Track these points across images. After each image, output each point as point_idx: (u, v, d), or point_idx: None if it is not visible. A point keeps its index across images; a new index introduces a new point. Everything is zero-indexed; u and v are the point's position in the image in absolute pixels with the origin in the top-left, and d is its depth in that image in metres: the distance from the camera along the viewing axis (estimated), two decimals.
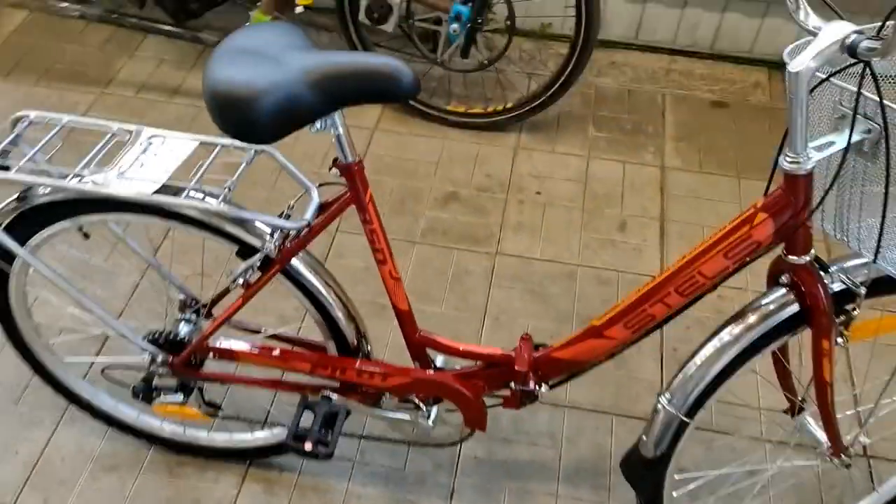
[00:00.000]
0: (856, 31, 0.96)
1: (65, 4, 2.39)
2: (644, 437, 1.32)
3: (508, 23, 2.30)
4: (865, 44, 0.94)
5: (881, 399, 1.36)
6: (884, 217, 1.07)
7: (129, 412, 1.71)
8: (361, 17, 2.32)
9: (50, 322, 1.78)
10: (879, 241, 1.08)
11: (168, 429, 1.72)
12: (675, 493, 1.42)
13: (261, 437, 1.70)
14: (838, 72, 1.07)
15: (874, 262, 1.10)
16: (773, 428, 1.83)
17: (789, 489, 1.74)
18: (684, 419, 1.27)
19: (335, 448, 1.39)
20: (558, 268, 2.20)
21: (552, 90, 2.41)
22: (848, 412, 1.40)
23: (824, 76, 1.08)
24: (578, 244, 2.27)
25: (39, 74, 2.72)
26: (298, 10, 2.34)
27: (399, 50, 2.57)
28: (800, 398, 1.42)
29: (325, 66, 1.05)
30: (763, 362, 1.35)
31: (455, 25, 2.28)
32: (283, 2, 2.37)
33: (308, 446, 1.36)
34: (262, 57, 1.06)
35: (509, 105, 2.51)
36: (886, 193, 1.05)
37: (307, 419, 1.40)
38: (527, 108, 2.48)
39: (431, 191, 2.40)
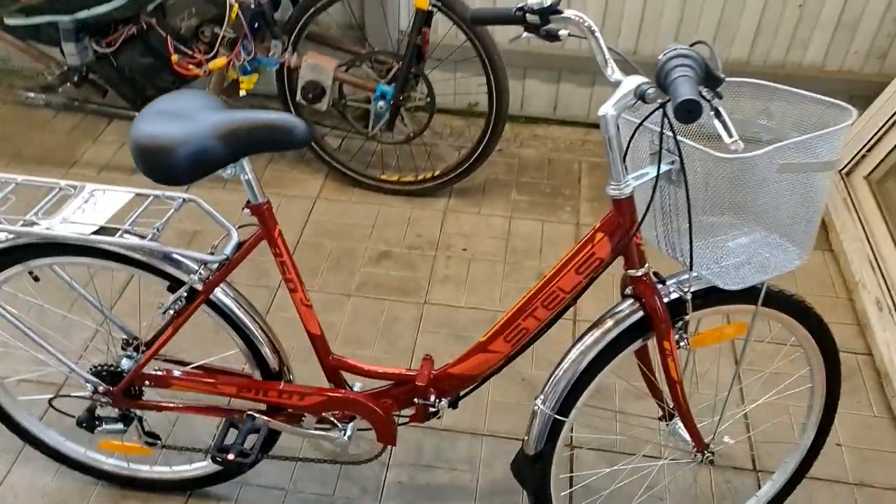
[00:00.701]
0: (645, 83, 1.22)
1: (31, 94, 2.64)
2: (526, 437, 1.50)
3: (429, 99, 2.59)
4: (650, 91, 1.20)
5: (727, 398, 1.57)
6: (691, 232, 1.30)
7: (77, 448, 1.87)
8: (298, 98, 2.60)
9: (5, 364, 1.94)
10: (691, 252, 1.32)
11: (112, 463, 1.87)
12: (562, 494, 1.60)
13: (199, 467, 1.85)
14: (648, 116, 1.32)
15: (691, 270, 1.34)
16: (653, 434, 2.03)
17: (675, 486, 1.92)
18: (558, 417, 1.46)
19: (257, 460, 1.56)
20: (481, 314, 2.42)
21: (472, 158, 2.69)
22: (701, 407, 1.60)
23: (638, 121, 1.33)
24: (500, 293, 2.49)
25: (9, 159, 2.96)
26: (242, 94, 2.61)
27: (336, 127, 2.85)
28: (669, 406, 1.63)
29: (230, 121, 1.29)
30: (636, 375, 1.57)
31: (381, 103, 2.57)
32: (229, 87, 2.65)
33: (230, 457, 1.53)
34: (179, 116, 1.30)
35: (437, 173, 2.78)
36: (689, 212, 1.29)
37: (232, 436, 1.57)
38: (452, 174, 2.75)
39: (367, 250, 2.63)
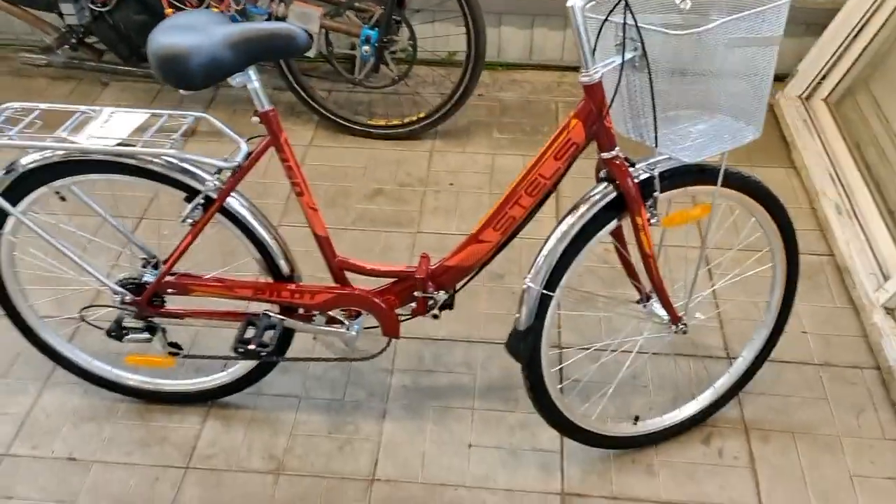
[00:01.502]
0: None
1: (31, 56, 2.76)
2: (517, 315, 1.67)
3: (411, 42, 2.74)
4: None
5: (697, 271, 1.74)
6: (654, 113, 1.46)
7: (104, 366, 2.01)
8: None
9: (35, 285, 2.06)
10: (655, 130, 1.48)
11: (137, 379, 2.02)
12: (552, 370, 1.76)
13: (217, 378, 2.01)
14: (613, 9, 1.48)
15: (656, 146, 1.50)
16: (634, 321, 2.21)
17: (656, 375, 2.10)
18: (545, 292, 1.62)
19: (273, 351, 1.72)
20: None
21: (455, 98, 2.84)
22: (675, 287, 1.78)
23: (604, 17, 1.49)
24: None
25: None
26: None
27: (324, 75, 3.00)
28: (646, 289, 1.80)
29: (238, 31, 1.44)
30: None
31: (366, 47, 2.71)
32: None
33: (251, 347, 1.69)
34: (192, 29, 1.44)
35: (422, 115, 2.93)
36: (652, 94, 1.45)
37: (250, 333, 1.73)
38: (437, 115, 2.90)
39: (360, 189, 2.79)
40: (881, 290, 2.21)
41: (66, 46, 2.73)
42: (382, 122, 2.98)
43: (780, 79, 3.18)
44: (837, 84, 2.93)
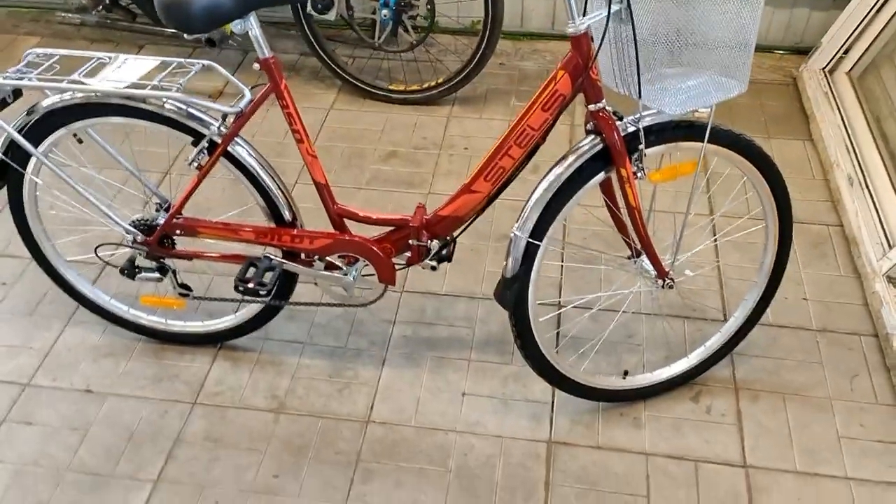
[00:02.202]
0: None
1: (68, 15, 2.89)
2: (505, 263, 1.72)
3: (429, 6, 2.79)
4: None
5: (685, 222, 1.76)
6: (638, 65, 1.49)
7: (121, 306, 2.13)
8: (309, 8, 2.81)
9: (56, 226, 2.17)
10: (639, 82, 1.51)
11: (152, 319, 2.14)
12: (541, 319, 1.82)
13: (226, 321, 2.11)
14: None
15: (640, 98, 1.53)
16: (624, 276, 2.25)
17: (650, 335, 2.14)
18: (531, 241, 1.67)
19: (275, 293, 1.80)
20: None
21: (473, 63, 2.88)
22: (664, 245, 1.80)
23: None
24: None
25: None
26: None
27: (346, 40, 3.07)
28: (636, 243, 1.84)
29: None
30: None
31: (385, 10, 2.77)
32: None
33: (250, 285, 1.78)
34: None
35: (441, 80, 2.98)
36: (636, 46, 1.48)
37: (251, 272, 1.82)
38: (455, 81, 2.95)
39: (375, 151, 2.86)
40: (885, 259, 2.20)
41: (100, 7, 2.85)
42: (402, 88, 3.04)
43: (804, 52, 3.15)
44: (861, 57, 2.89)
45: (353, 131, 2.95)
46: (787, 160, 2.74)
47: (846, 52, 2.94)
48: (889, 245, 2.25)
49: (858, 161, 2.56)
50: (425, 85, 3.02)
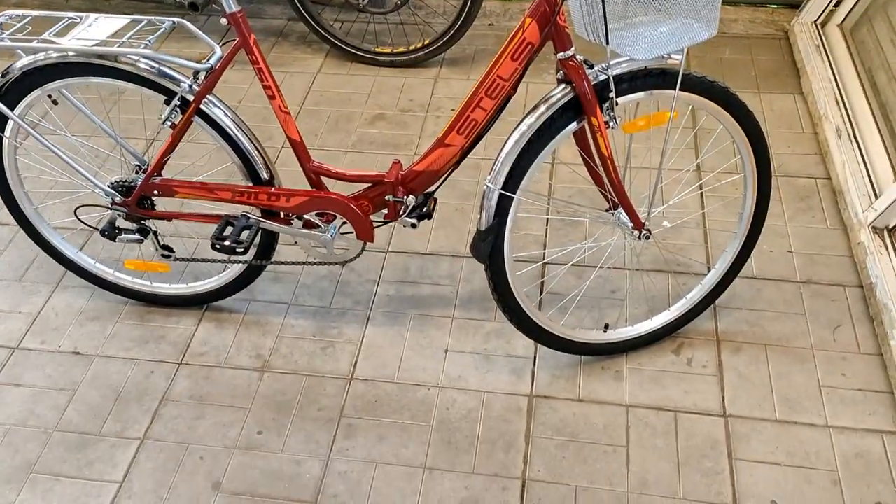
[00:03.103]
0: None
1: None
2: (479, 215, 1.72)
3: None
4: None
5: (660, 170, 1.75)
6: (604, 9, 1.48)
7: (106, 269, 2.15)
8: None
9: (41, 190, 2.19)
10: (606, 27, 1.49)
11: (138, 283, 2.15)
12: (519, 273, 1.82)
13: (211, 282, 2.12)
14: None
15: (607, 44, 1.51)
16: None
17: (633, 290, 2.14)
18: (504, 192, 1.67)
19: (249, 247, 1.81)
20: (466, 161, 2.61)
21: (459, 23, 2.85)
22: (642, 197, 1.79)
23: None
24: (485, 143, 2.68)
25: None
26: None
27: (332, 2, 3.05)
28: (612, 195, 1.83)
29: None
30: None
31: None
32: None
33: (227, 242, 1.79)
34: None
35: (427, 42, 2.96)
36: None
37: (228, 231, 1.83)
38: (441, 42, 2.93)
39: (362, 114, 2.85)
40: (871, 210, 2.18)
41: None
42: (388, 50, 3.02)
43: (796, 6, 3.11)
44: (852, 9, 2.84)
45: (341, 95, 2.94)
46: (777, 114, 2.71)
47: (837, 4, 2.90)
48: (875, 195, 2.23)
49: (848, 113, 2.53)
50: (412, 47, 3.00)
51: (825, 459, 1.77)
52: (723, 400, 1.89)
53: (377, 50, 3.03)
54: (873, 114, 2.48)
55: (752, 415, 1.86)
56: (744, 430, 1.83)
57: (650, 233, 1.81)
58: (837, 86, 2.65)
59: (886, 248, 2.10)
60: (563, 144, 2.11)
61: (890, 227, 2.14)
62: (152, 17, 1.72)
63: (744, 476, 1.75)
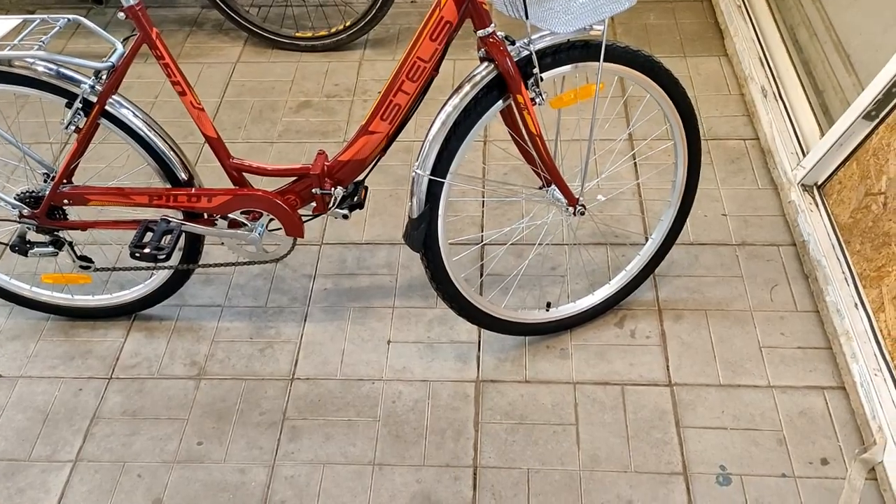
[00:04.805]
0: None
1: None
2: (409, 204, 1.67)
3: None
4: None
5: (590, 146, 1.73)
6: None
7: (22, 285, 2.03)
8: None
9: None
10: (525, 2, 1.45)
11: (58, 296, 2.04)
12: (456, 258, 1.78)
13: (136, 290, 2.03)
14: None
15: (526, 18, 1.47)
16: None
17: (573, 265, 2.12)
18: (433, 178, 1.62)
19: (171, 253, 1.73)
20: (397, 145, 2.54)
21: (378, 5, 2.77)
22: (575, 171, 1.76)
23: None
24: (415, 124, 2.63)
25: None
26: None
27: None
28: (544, 172, 1.79)
29: None
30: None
31: None
32: None
33: (146, 250, 1.70)
34: None
35: (348, 24, 2.87)
36: None
37: (148, 237, 1.74)
38: (362, 23, 2.84)
39: (287, 102, 2.76)
40: (799, 168, 2.20)
41: None
42: (309, 34, 2.92)
43: None
44: None
45: (263, 84, 2.84)
46: (704, 77, 2.71)
47: None
48: (803, 153, 2.25)
49: (772, 72, 2.55)
50: (333, 30, 2.90)
51: (770, 420, 1.79)
52: (667, 369, 1.89)
53: (298, 35, 2.93)
54: (797, 72, 2.50)
55: (697, 381, 1.87)
56: (689, 397, 1.84)
57: (585, 208, 1.79)
58: (761, 46, 2.66)
59: (816, 206, 2.12)
60: (494, 122, 2.07)
61: (818, 183, 2.16)
62: (45, 16, 1.61)
63: (692, 443, 1.76)
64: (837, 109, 2.23)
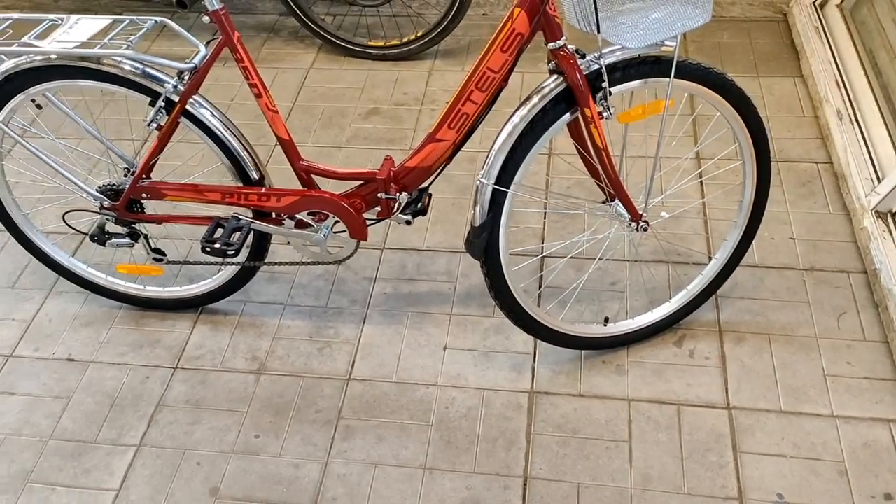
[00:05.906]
0: None
1: None
2: (472, 211, 1.69)
3: None
4: None
5: (656, 163, 1.71)
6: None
7: (99, 274, 2.12)
8: None
9: (31, 196, 2.16)
10: (596, 14, 1.46)
11: (131, 286, 2.13)
12: (516, 268, 1.79)
13: (204, 284, 2.09)
14: None
15: (598, 32, 1.48)
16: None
17: (633, 283, 2.10)
18: (497, 188, 1.63)
19: (240, 249, 1.78)
20: (462, 154, 2.57)
21: (451, 14, 2.81)
22: (640, 187, 1.75)
23: None
24: (481, 136, 2.64)
25: None
26: None
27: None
28: (608, 187, 1.79)
29: None
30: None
31: None
32: None
33: (217, 245, 1.76)
34: None
35: (420, 34, 2.92)
36: None
37: (219, 233, 1.80)
38: (434, 34, 2.88)
39: (356, 109, 2.81)
40: (873, 194, 2.14)
41: None
42: (381, 43, 2.98)
43: None
44: None
45: (334, 90, 2.91)
46: (777, 98, 2.66)
47: None
48: (878, 179, 2.18)
49: (848, 95, 2.49)
50: (405, 39, 2.96)
51: (832, 450, 1.74)
52: (726, 392, 1.86)
53: (370, 43, 2.99)
54: (875, 96, 2.43)
55: (757, 406, 1.83)
56: (748, 422, 1.80)
57: (648, 224, 1.78)
58: (838, 68, 2.60)
59: (890, 233, 2.06)
60: (560, 135, 2.08)
61: (893, 211, 2.10)
62: (134, 17, 1.69)
63: (749, 469, 1.72)
64: None
